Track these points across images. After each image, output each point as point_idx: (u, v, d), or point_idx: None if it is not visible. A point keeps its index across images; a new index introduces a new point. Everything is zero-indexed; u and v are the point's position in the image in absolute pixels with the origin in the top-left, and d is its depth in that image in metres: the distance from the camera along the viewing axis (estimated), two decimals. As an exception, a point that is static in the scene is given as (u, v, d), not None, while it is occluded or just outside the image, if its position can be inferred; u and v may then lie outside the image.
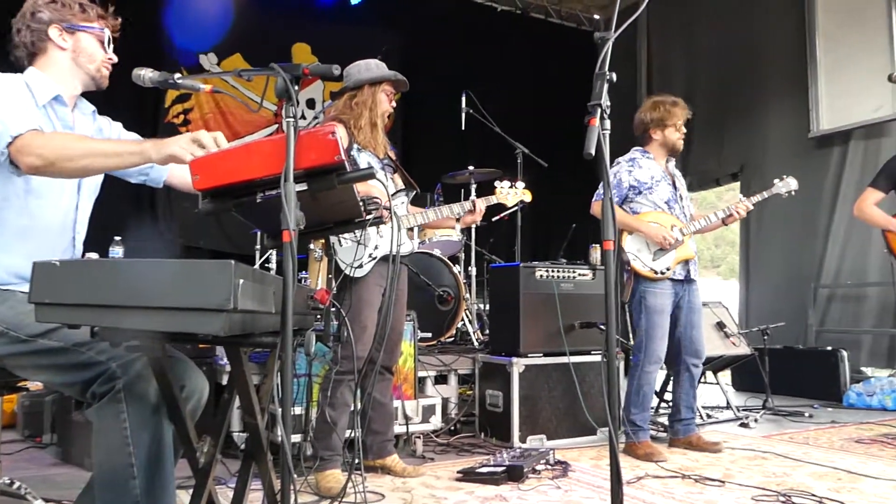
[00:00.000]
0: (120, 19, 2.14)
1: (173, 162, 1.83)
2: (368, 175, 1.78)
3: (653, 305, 3.75)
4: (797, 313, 6.53)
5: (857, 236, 6.29)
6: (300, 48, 7.46)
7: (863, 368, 6.07)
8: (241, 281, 1.33)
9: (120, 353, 1.66)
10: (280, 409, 1.60)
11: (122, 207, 5.82)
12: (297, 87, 1.70)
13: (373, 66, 3.23)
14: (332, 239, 3.10)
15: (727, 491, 3.03)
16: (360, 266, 3.09)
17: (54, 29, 2.01)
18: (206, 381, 1.94)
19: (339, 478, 3.03)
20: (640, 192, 3.84)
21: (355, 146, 3.14)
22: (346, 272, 3.07)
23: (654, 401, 4.59)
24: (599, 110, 1.78)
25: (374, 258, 3.13)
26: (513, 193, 3.60)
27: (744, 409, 5.06)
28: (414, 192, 3.39)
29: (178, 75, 1.91)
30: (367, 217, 2.02)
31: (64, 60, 2.04)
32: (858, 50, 6.36)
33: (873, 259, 6.09)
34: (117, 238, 4.01)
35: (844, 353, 5.71)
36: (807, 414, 4.99)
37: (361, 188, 1.99)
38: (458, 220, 3.40)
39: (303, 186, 1.65)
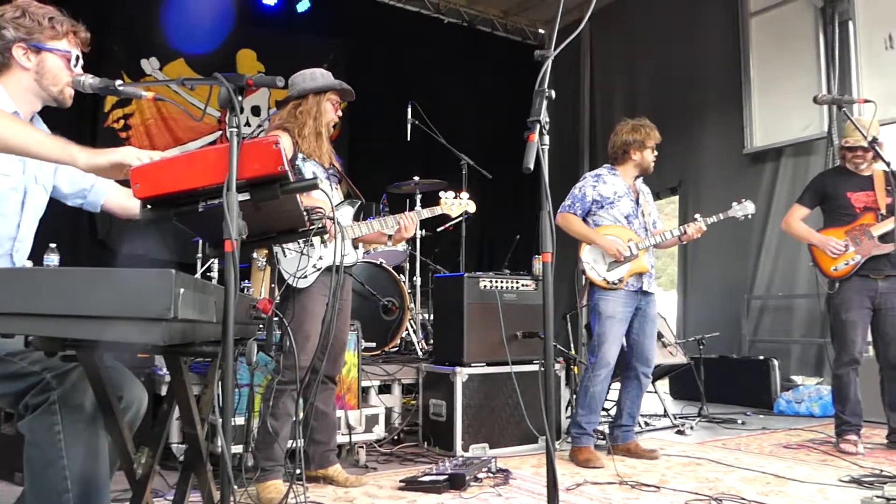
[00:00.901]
0: (90, 35, 2.06)
1: (110, 169, 1.76)
2: (311, 186, 1.79)
3: (605, 311, 3.88)
4: (732, 323, 6.75)
5: (787, 250, 6.52)
6: (245, 54, 7.37)
7: (792, 377, 6.29)
8: (182, 290, 1.32)
9: (55, 363, 1.63)
10: (221, 420, 1.59)
11: (58, 214, 5.65)
12: (240, 98, 1.70)
13: (318, 76, 3.23)
14: (276, 249, 3.08)
15: (662, 496, 3.12)
16: (305, 277, 3.08)
17: (18, 48, 1.94)
18: (144, 392, 1.91)
19: (280, 488, 3.00)
20: (602, 206, 3.98)
21: (300, 155, 3.13)
22: (290, 283, 3.05)
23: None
24: (538, 126, 1.84)
25: (319, 269, 3.12)
26: (457, 204, 3.65)
27: (680, 417, 5.21)
28: (359, 203, 3.40)
29: (119, 82, 1.88)
30: (311, 227, 2.02)
31: (26, 79, 1.97)
32: (789, 70, 6.64)
33: (802, 272, 6.33)
34: (52, 245, 3.89)
35: (775, 362, 5.95)
36: (740, 421, 5.17)
37: (305, 199, 2.00)
38: (389, 238, 3.41)
39: (245, 196, 1.66)
